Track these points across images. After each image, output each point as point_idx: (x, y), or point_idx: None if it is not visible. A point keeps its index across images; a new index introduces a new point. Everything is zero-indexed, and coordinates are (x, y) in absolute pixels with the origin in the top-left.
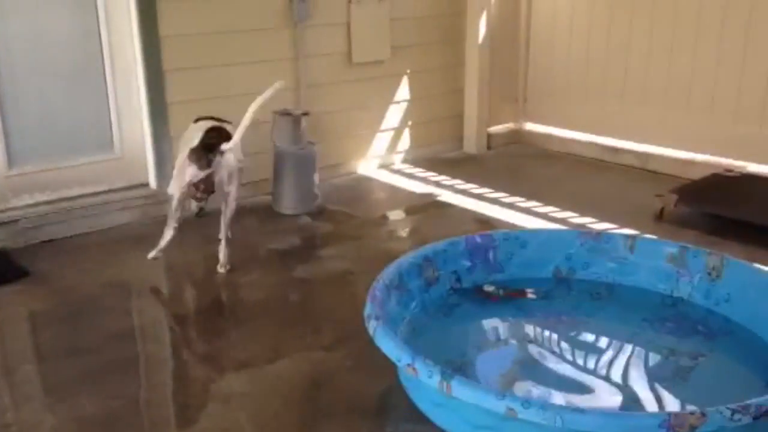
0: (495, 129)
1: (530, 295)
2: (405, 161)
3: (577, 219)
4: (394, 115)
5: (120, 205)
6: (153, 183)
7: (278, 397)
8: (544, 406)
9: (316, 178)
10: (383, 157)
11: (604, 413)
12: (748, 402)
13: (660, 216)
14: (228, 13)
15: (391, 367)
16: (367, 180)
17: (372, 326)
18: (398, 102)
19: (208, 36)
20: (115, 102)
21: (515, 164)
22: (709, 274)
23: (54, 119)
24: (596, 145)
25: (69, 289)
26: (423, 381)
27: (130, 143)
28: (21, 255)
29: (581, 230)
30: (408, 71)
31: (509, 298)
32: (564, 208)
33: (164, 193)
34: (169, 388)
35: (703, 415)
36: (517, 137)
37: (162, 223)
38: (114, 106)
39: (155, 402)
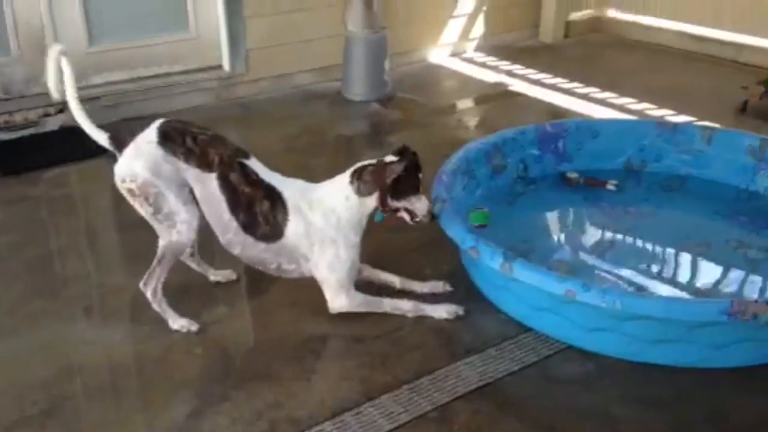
0: (574, 16)
1: (610, 186)
2: (478, 49)
3: (654, 111)
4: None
5: (194, 86)
6: (226, 65)
7: None
8: (604, 289)
9: (387, 64)
10: (455, 44)
11: (665, 298)
12: None
13: (743, 109)
14: None
15: (454, 250)
16: (437, 68)
17: (438, 209)
18: None
19: None
20: None
21: (593, 54)
22: None
23: None
24: (682, 34)
25: None
26: (485, 263)
27: (204, 23)
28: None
29: (657, 121)
30: None
31: (588, 187)
32: (641, 100)
33: (237, 75)
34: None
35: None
36: (597, 25)
37: (234, 105)
38: None
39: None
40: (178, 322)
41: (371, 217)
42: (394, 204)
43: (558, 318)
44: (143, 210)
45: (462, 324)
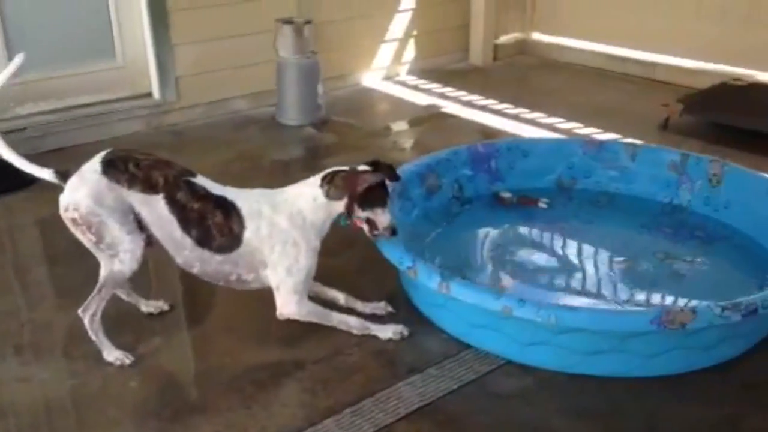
0: (502, 40)
1: (542, 204)
2: (410, 73)
3: (581, 129)
4: (399, 24)
5: (125, 115)
6: (156, 93)
7: None
8: (539, 304)
9: (320, 89)
10: (388, 68)
11: (597, 310)
12: (738, 300)
13: (665, 126)
14: None
15: (393, 272)
16: (371, 91)
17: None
18: (403, 11)
19: None
20: (115, 7)
21: (521, 75)
22: (710, 180)
23: (55, 27)
24: (604, 54)
25: None
26: (423, 282)
27: (132, 52)
28: None
29: (584, 139)
30: None
31: (521, 206)
32: (569, 119)
33: (168, 102)
34: (179, 291)
35: (693, 311)
36: (524, 48)
37: (166, 132)
38: (114, 12)
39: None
40: (113, 354)
41: (333, 223)
42: (359, 213)
43: (496, 334)
44: (85, 239)
45: (404, 345)
